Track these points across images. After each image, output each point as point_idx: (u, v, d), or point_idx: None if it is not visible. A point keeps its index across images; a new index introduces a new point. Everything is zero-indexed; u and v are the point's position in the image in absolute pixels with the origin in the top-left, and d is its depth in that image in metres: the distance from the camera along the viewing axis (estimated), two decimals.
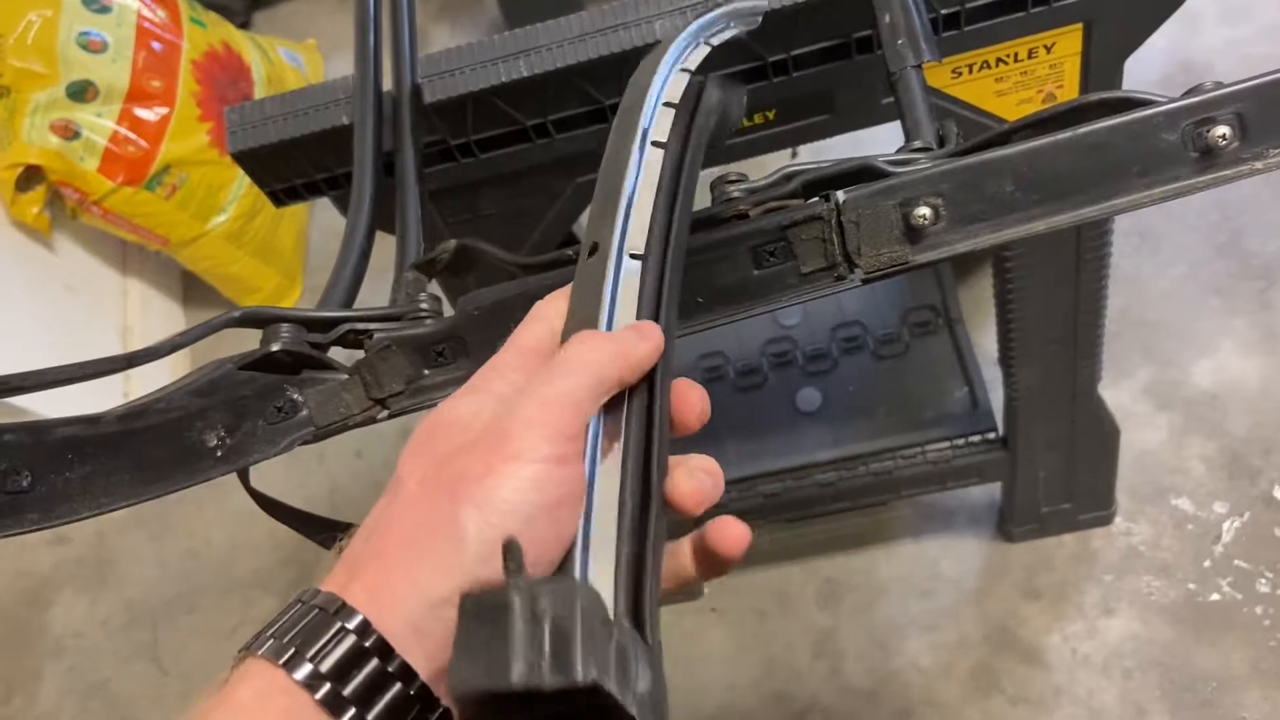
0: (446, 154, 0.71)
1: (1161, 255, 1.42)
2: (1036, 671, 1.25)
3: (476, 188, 0.74)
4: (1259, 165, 0.44)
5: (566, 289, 0.44)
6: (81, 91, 1.44)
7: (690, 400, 0.44)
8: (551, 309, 0.43)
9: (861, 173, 0.49)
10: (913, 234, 0.48)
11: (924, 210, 0.47)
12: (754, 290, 0.50)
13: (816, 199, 0.49)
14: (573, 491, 0.36)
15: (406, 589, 0.33)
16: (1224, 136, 0.44)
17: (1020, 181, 0.46)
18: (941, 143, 0.54)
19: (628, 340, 0.39)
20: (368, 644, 0.32)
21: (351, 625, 0.33)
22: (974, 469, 1.18)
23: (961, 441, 1.16)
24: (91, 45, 1.45)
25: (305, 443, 0.50)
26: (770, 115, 0.72)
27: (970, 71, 0.70)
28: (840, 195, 0.48)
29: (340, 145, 0.68)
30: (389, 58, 0.69)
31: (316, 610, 0.33)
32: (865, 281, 0.49)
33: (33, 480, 0.35)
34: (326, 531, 0.53)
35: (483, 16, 1.97)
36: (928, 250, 0.48)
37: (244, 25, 1.99)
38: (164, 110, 1.49)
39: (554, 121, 0.69)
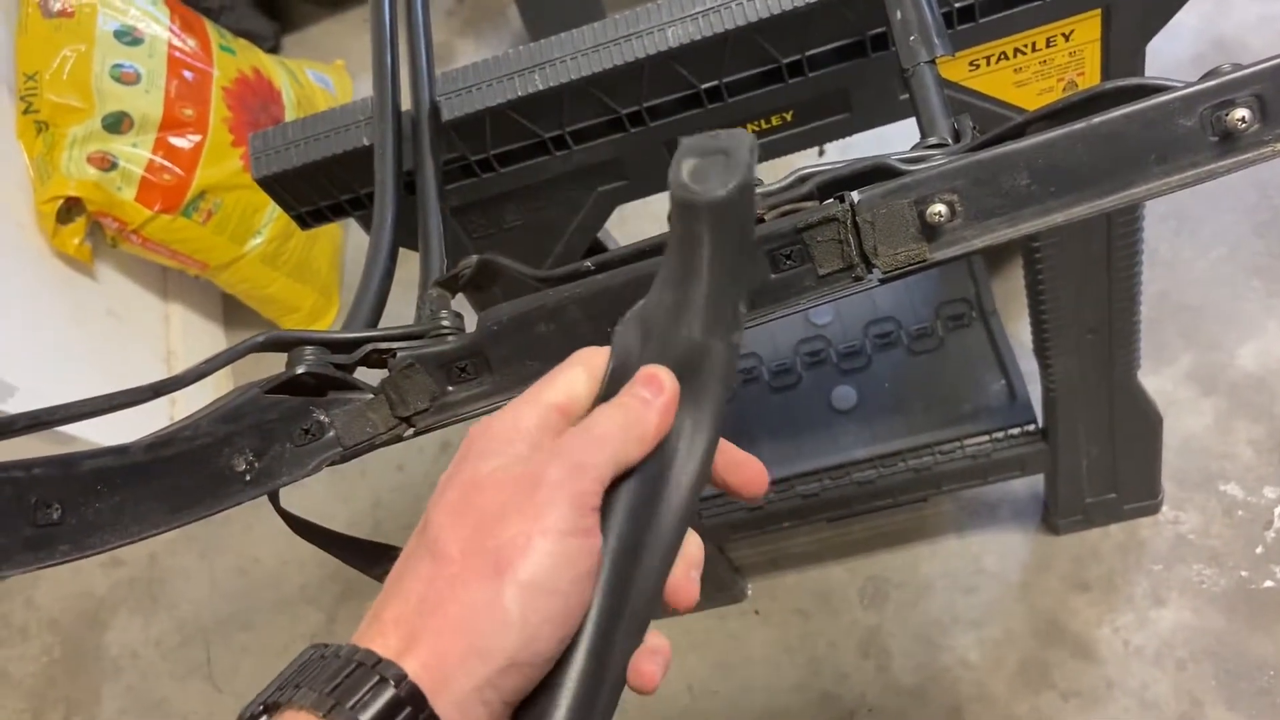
0: (468, 170, 0.72)
1: (1200, 238, 1.40)
2: (1087, 665, 1.24)
3: (499, 202, 0.75)
4: None
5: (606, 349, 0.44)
6: (117, 123, 1.47)
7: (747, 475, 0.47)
8: (593, 362, 0.44)
9: (876, 172, 0.49)
10: (929, 231, 0.47)
11: (939, 207, 0.47)
12: (772, 294, 0.50)
13: (831, 200, 0.49)
14: (596, 562, 0.38)
15: (459, 672, 0.34)
16: (1243, 119, 0.43)
17: (1035, 174, 0.46)
18: (957, 138, 0.54)
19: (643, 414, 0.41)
20: (411, 707, 0.33)
21: (400, 688, 0.33)
22: (1014, 462, 1.16)
23: (1000, 435, 1.15)
24: (125, 77, 1.48)
25: (333, 463, 0.51)
26: (788, 116, 0.72)
27: (988, 64, 0.70)
28: (855, 196, 0.48)
29: (362, 166, 0.69)
30: (408, 77, 0.70)
31: (357, 665, 0.34)
32: (884, 281, 0.49)
33: (63, 512, 0.36)
34: (353, 550, 0.54)
35: (506, 30, 1.99)
36: (945, 247, 0.48)
37: (273, 50, 2.02)
38: (197, 138, 1.52)
39: (572, 133, 0.70)
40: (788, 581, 1.40)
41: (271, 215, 1.61)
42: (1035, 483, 1.30)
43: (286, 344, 0.50)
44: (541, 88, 0.66)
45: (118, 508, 0.39)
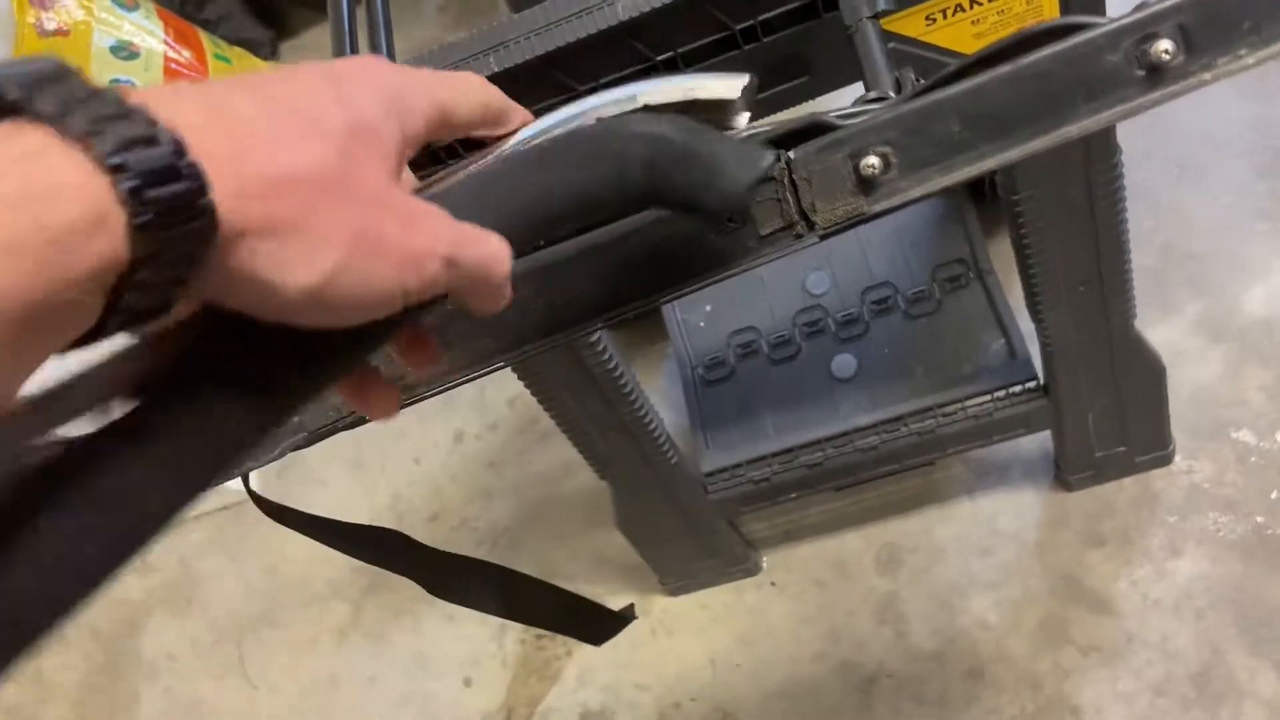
0: (435, 158, 0.73)
1: (1205, 185, 1.38)
2: (1106, 619, 1.23)
3: None
4: (1208, 76, 0.43)
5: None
6: None
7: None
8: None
9: (812, 129, 0.49)
10: (865, 185, 0.48)
11: (873, 160, 0.47)
12: (716, 257, 0.50)
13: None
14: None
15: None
16: (1168, 51, 0.43)
17: (967, 121, 0.46)
18: (900, 91, 0.54)
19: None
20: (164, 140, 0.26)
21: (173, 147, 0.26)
22: (1018, 420, 1.16)
23: (1002, 393, 1.15)
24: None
25: (299, 447, 0.52)
26: None
27: (945, 17, 0.69)
28: (791, 153, 0.48)
29: None
30: None
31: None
32: (823, 237, 0.49)
33: None
34: (330, 531, 0.55)
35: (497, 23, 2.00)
36: (882, 199, 0.48)
37: (271, 56, 2.04)
38: None
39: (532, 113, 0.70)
40: (803, 553, 1.40)
41: None
42: (1045, 441, 1.30)
43: None
44: (497, 70, 0.67)
45: None
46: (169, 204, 0.25)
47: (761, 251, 0.50)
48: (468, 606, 0.65)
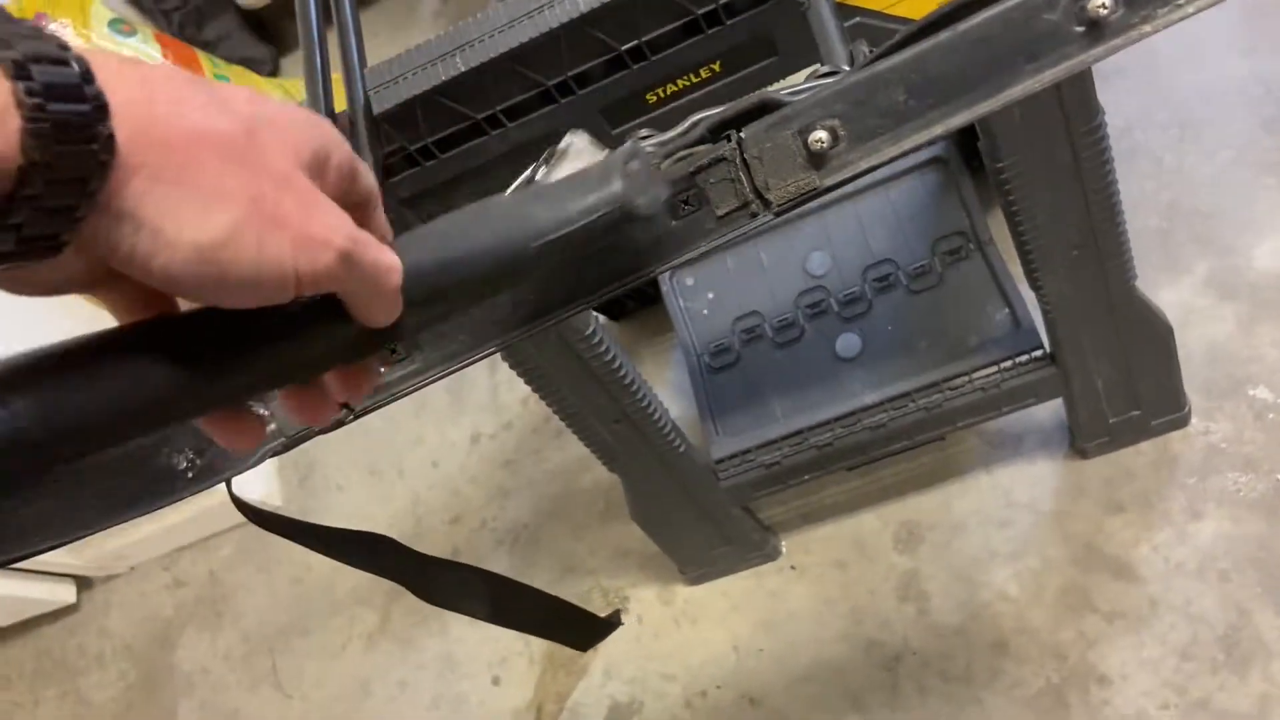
0: (410, 160, 0.73)
1: (1205, 142, 1.36)
2: (1129, 585, 1.22)
3: (449, 187, 0.76)
4: (1148, 28, 0.43)
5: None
6: None
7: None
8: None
9: (763, 107, 0.49)
10: (815, 160, 0.48)
11: (820, 134, 0.47)
12: (676, 240, 0.50)
13: (720, 140, 0.49)
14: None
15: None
16: (1105, 6, 0.42)
17: (912, 90, 0.46)
18: (854, 65, 0.54)
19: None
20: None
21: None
22: (1027, 389, 1.15)
23: (1009, 363, 1.14)
24: None
25: (277, 453, 0.53)
26: (717, 68, 0.72)
27: None
28: (741, 133, 0.48)
29: None
30: (342, 76, 0.72)
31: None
32: (779, 214, 0.49)
33: None
34: (315, 537, 0.56)
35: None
36: (833, 172, 0.48)
37: (272, 73, 2.06)
38: None
39: (503, 111, 0.71)
40: (821, 534, 1.40)
41: None
42: (1058, 409, 1.28)
43: None
44: (464, 69, 0.67)
45: (54, 510, 0.41)
46: (66, 118, 0.26)
47: (720, 231, 0.50)
48: (456, 611, 0.65)
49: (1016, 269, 1.21)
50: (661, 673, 1.40)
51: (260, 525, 0.55)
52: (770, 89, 0.50)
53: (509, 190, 0.47)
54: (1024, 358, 1.13)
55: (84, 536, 0.42)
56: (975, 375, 1.14)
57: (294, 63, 2.17)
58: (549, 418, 1.64)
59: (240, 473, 0.51)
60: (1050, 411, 1.31)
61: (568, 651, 1.46)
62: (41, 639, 1.85)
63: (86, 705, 1.75)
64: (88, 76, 0.27)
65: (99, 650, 1.79)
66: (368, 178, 0.38)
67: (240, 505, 0.55)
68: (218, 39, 1.97)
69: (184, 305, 0.35)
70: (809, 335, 1.25)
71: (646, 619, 1.44)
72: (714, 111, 0.51)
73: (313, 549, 0.56)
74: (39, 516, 0.40)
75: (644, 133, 0.53)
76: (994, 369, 1.14)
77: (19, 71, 0.26)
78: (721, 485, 1.22)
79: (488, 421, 1.68)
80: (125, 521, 0.44)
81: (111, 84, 0.28)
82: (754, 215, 0.49)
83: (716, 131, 0.50)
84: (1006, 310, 1.16)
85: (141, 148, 0.28)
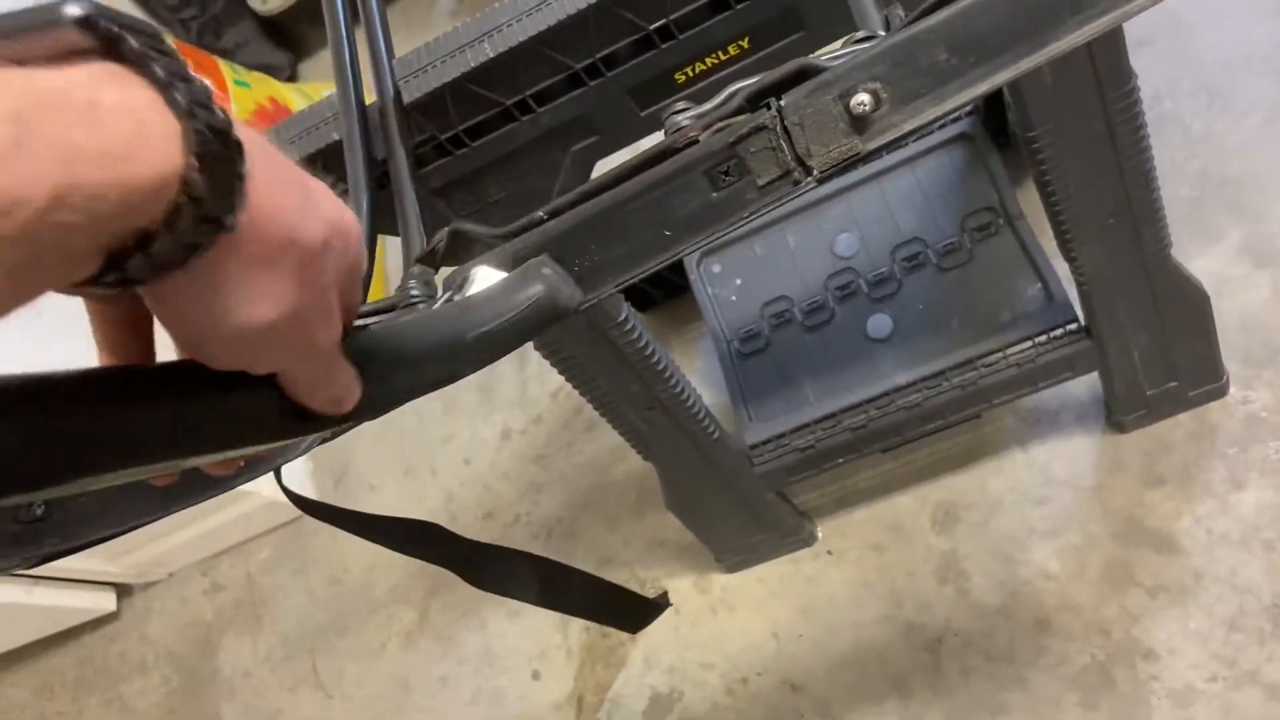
0: (441, 149, 0.73)
1: (1233, 108, 1.34)
2: (1172, 559, 1.21)
3: (478, 176, 0.76)
4: None
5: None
6: None
7: None
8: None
9: (801, 74, 0.49)
10: (858, 123, 0.47)
11: (863, 97, 0.46)
12: (717, 212, 0.50)
13: (760, 109, 0.49)
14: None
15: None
16: None
17: (953, 48, 0.45)
18: (889, 29, 0.53)
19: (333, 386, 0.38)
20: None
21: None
22: (1062, 363, 1.14)
23: (1043, 338, 1.13)
24: None
25: (322, 441, 0.53)
26: (745, 44, 0.72)
27: None
28: (781, 100, 0.48)
29: (338, 161, 0.71)
30: (370, 68, 0.72)
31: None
32: (821, 181, 0.49)
33: (47, 508, 0.38)
34: (364, 525, 0.56)
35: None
36: (876, 136, 0.47)
37: (291, 79, 2.07)
38: None
39: (533, 96, 0.71)
40: (857, 518, 1.39)
41: None
42: (1094, 383, 1.27)
43: None
44: (492, 55, 0.67)
45: (104, 500, 0.41)
46: (218, 149, 0.28)
47: (762, 201, 0.49)
48: (505, 595, 0.65)
49: (1047, 243, 1.20)
50: (701, 661, 1.40)
51: (312, 515, 0.55)
52: (807, 56, 0.50)
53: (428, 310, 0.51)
54: (1058, 331, 1.12)
55: (139, 525, 0.43)
56: (1010, 351, 1.13)
57: (311, 67, 2.18)
58: (579, 411, 1.64)
59: (289, 461, 0.51)
60: (1086, 386, 1.30)
61: (606, 643, 1.46)
62: (83, 647, 1.87)
63: (130, 712, 1.76)
64: (230, 126, 0.29)
65: (141, 657, 1.81)
66: (358, 292, 0.40)
67: (291, 496, 0.55)
68: (236, 46, 1.98)
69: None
70: (839, 317, 1.24)
71: (684, 608, 1.44)
72: (751, 81, 0.50)
73: (363, 536, 0.56)
74: (99, 504, 0.41)
75: (680, 106, 0.53)
76: (1028, 344, 1.13)
77: (188, 113, 0.28)
78: (756, 471, 1.22)
79: (518, 417, 1.68)
80: (177, 510, 0.45)
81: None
82: (796, 183, 0.49)
83: (755, 101, 0.50)
84: (1039, 284, 1.15)
85: (249, 237, 0.30)
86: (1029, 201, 1.25)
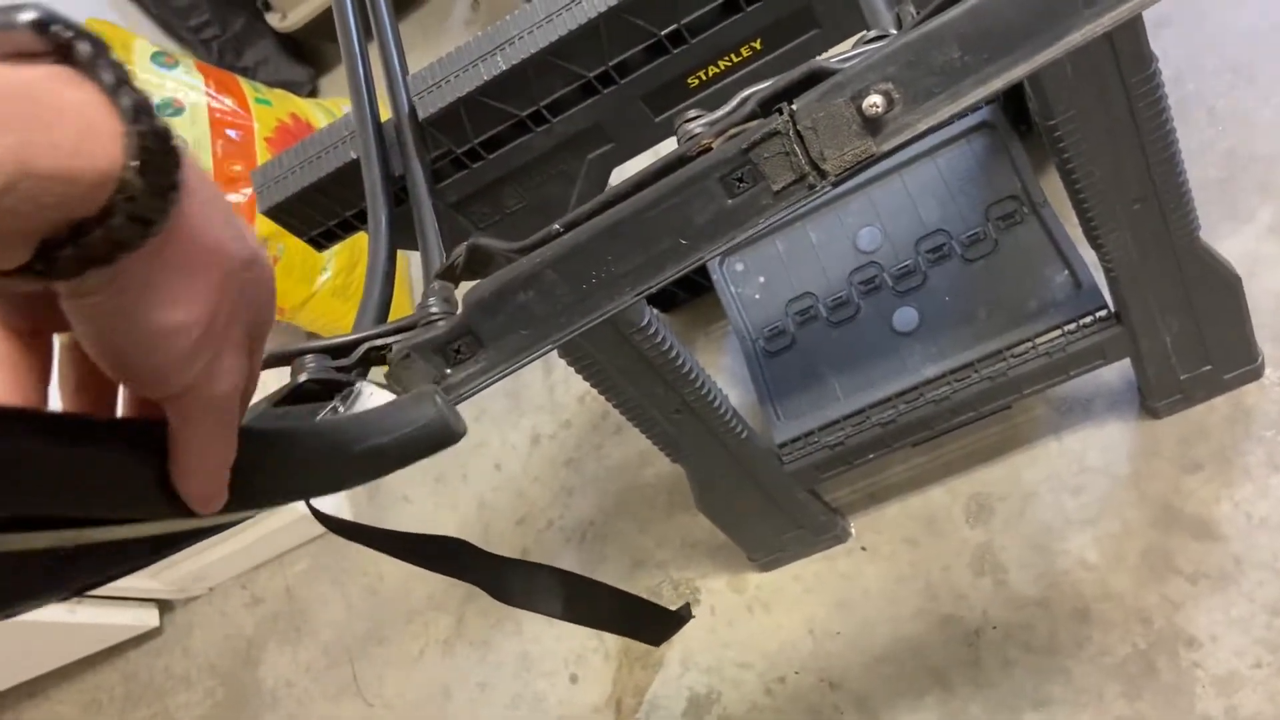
0: (457, 163, 0.74)
1: (1259, 86, 1.32)
2: (1212, 545, 1.19)
3: (496, 188, 0.76)
4: None
5: None
6: None
7: None
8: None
9: (813, 76, 0.49)
10: (871, 125, 0.47)
11: (875, 99, 0.46)
12: (733, 219, 0.50)
13: (772, 114, 0.49)
14: None
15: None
16: None
17: (966, 45, 0.45)
18: (902, 28, 0.53)
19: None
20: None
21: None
22: (1093, 351, 1.12)
23: (1072, 326, 1.11)
24: None
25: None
26: (758, 45, 0.71)
27: None
28: (793, 105, 0.48)
29: (357, 179, 0.71)
30: (384, 85, 0.72)
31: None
32: (837, 184, 0.48)
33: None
34: (392, 544, 0.56)
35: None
36: (890, 137, 0.47)
37: (311, 94, 2.08)
38: (249, 190, 1.59)
39: (547, 106, 0.71)
40: (890, 513, 1.39)
41: (333, 250, 1.67)
42: (1126, 370, 1.26)
43: (286, 357, 0.53)
44: (505, 67, 0.67)
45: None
46: (157, 155, 0.30)
47: (777, 206, 0.49)
48: (532, 610, 0.65)
49: (1073, 230, 1.19)
50: (738, 661, 1.40)
51: (340, 534, 0.56)
52: (818, 59, 0.49)
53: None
54: (1088, 319, 1.10)
55: (170, 554, 0.43)
56: (1039, 340, 1.12)
57: (331, 83, 2.19)
58: (607, 414, 1.64)
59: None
60: (1117, 373, 1.28)
61: (642, 645, 1.47)
62: (128, 663, 1.90)
63: None
64: (171, 135, 0.31)
65: (184, 671, 1.83)
66: (259, 363, 0.40)
67: (320, 516, 0.55)
68: (256, 64, 2.00)
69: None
70: (864, 312, 1.23)
71: (719, 608, 1.44)
72: (763, 86, 0.50)
73: (391, 554, 0.56)
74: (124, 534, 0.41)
75: (693, 113, 0.53)
76: (1058, 332, 1.11)
77: (131, 118, 0.29)
78: (786, 469, 1.21)
79: (547, 421, 1.69)
80: (212, 535, 0.45)
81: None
82: (811, 187, 0.48)
83: (767, 105, 0.49)
84: (1066, 272, 1.14)
85: (173, 241, 0.31)
86: (1053, 188, 1.24)
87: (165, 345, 0.32)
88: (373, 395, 0.52)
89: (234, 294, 0.34)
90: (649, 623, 0.78)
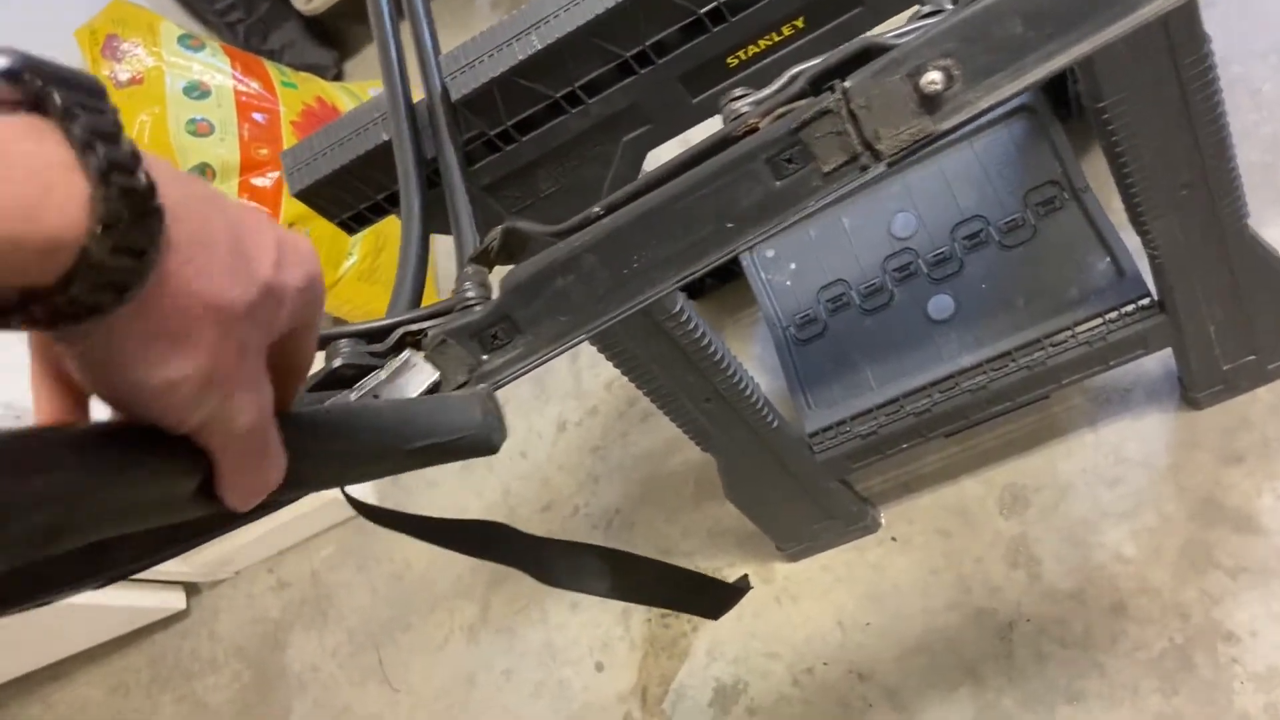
0: (490, 145, 0.72)
1: None
2: (1253, 538, 1.16)
3: (529, 171, 0.75)
4: None
5: None
6: (200, 175, 1.54)
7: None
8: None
9: (866, 54, 0.47)
10: (929, 103, 0.45)
11: (933, 75, 0.44)
12: (781, 201, 0.48)
13: (824, 92, 0.47)
14: None
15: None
16: None
17: (1030, 19, 0.43)
18: (958, 2, 0.51)
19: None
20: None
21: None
22: (1135, 340, 1.10)
23: (1114, 314, 1.09)
24: (200, 130, 1.55)
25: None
26: (800, 24, 0.69)
27: None
28: (846, 83, 0.46)
29: (389, 161, 0.70)
30: (416, 66, 0.71)
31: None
32: (891, 165, 0.47)
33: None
34: (432, 529, 0.55)
35: None
36: (949, 115, 0.45)
37: (337, 77, 2.07)
38: (276, 174, 1.58)
39: (582, 87, 0.69)
40: (922, 504, 1.37)
41: (359, 234, 1.66)
42: (1167, 360, 1.23)
43: (322, 342, 0.51)
44: (540, 47, 0.66)
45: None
46: (128, 217, 0.27)
47: (827, 189, 0.47)
48: (577, 590, 0.64)
49: (1115, 215, 1.16)
50: (765, 651, 1.38)
51: (378, 522, 0.54)
52: (870, 34, 0.47)
53: (354, 396, 0.50)
54: (1130, 307, 1.08)
55: (205, 541, 0.42)
56: (1079, 329, 1.09)
57: (356, 66, 2.18)
58: (633, 401, 1.63)
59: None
60: (1157, 362, 1.25)
61: (668, 634, 1.45)
62: (155, 646, 1.91)
63: (204, 708, 1.79)
64: (153, 192, 0.28)
65: (211, 654, 1.84)
66: (312, 352, 0.39)
67: (355, 504, 0.54)
68: (282, 47, 1.99)
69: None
70: (898, 299, 1.21)
71: (746, 599, 1.41)
72: (813, 63, 0.48)
73: (429, 541, 0.55)
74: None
75: (738, 92, 0.51)
76: (1099, 321, 1.09)
77: (101, 174, 0.27)
78: (817, 459, 1.19)
79: (573, 409, 1.67)
80: (253, 521, 0.44)
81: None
82: (864, 168, 0.47)
83: (818, 83, 0.48)
84: (1108, 259, 1.11)
85: (154, 302, 0.29)
86: (1094, 173, 1.21)
87: (162, 399, 0.30)
88: (418, 367, 0.50)
89: (239, 339, 0.32)
90: (705, 595, 0.76)
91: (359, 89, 1.84)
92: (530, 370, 0.53)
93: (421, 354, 0.52)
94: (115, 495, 0.30)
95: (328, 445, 0.40)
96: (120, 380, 0.30)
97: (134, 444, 0.32)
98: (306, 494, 0.41)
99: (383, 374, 0.51)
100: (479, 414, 0.47)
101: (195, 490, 0.33)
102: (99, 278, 0.27)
